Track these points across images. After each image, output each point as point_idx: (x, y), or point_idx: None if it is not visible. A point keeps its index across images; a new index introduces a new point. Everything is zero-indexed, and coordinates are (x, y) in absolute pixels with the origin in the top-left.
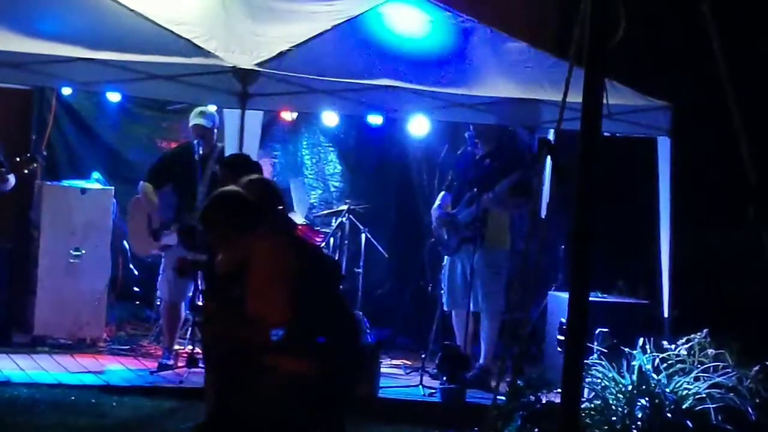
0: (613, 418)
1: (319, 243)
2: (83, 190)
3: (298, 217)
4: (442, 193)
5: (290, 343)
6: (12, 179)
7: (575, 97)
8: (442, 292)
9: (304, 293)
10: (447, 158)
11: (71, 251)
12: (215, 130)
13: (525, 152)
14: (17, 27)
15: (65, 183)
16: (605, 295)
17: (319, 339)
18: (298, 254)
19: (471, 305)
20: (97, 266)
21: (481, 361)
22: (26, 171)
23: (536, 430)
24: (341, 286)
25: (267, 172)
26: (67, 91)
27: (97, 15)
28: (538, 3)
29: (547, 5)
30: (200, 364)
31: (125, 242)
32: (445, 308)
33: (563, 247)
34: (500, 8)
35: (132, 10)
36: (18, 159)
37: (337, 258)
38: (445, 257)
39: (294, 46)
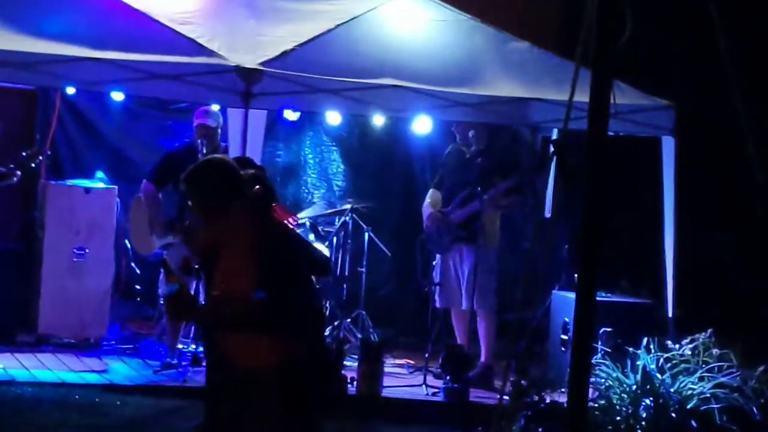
0: (618, 418)
1: (293, 224)
2: (87, 190)
3: None
4: (431, 190)
5: (258, 328)
6: (18, 174)
7: (580, 97)
8: (435, 289)
9: (273, 277)
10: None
11: (75, 250)
12: (219, 130)
13: (524, 152)
14: (21, 27)
15: (69, 182)
16: (609, 295)
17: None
18: (273, 239)
19: (464, 303)
20: (100, 265)
21: (482, 359)
22: (33, 165)
23: (540, 429)
24: (319, 277)
25: None
26: (70, 90)
27: (100, 15)
28: (540, 3)
29: (549, 5)
30: (203, 363)
31: (126, 241)
32: (437, 305)
33: (567, 246)
34: (503, 7)
35: (136, 10)
36: (24, 154)
37: (336, 256)
38: (437, 255)
39: (298, 46)
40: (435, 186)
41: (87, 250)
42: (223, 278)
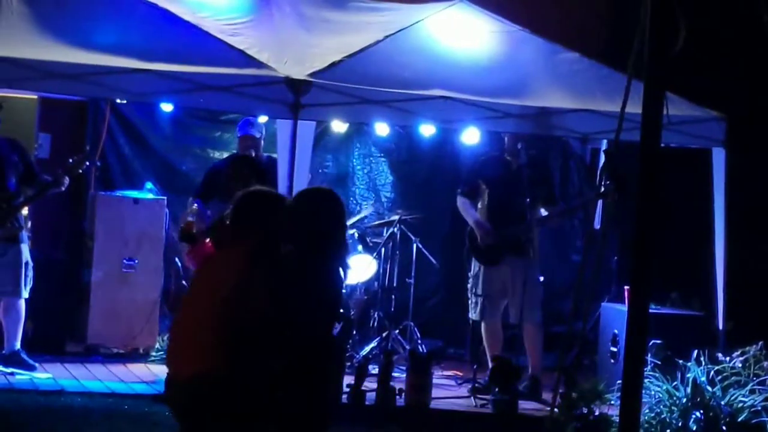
0: (668, 431)
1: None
2: (136, 200)
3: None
4: (464, 199)
5: None
6: (66, 181)
7: (630, 108)
8: (473, 301)
9: None
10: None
11: (124, 261)
12: (262, 141)
13: (574, 164)
14: (72, 39)
15: (118, 193)
16: (659, 307)
17: None
18: None
19: (517, 317)
20: (149, 276)
21: (530, 371)
22: (80, 170)
23: None
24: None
25: None
26: (120, 102)
27: (151, 26)
28: (589, 13)
29: (597, 16)
30: None
31: (177, 260)
32: (474, 317)
33: (615, 258)
34: (552, 18)
35: (186, 21)
36: (71, 160)
37: (384, 266)
38: (475, 267)
39: (346, 57)
40: (467, 194)
41: (136, 261)
42: None
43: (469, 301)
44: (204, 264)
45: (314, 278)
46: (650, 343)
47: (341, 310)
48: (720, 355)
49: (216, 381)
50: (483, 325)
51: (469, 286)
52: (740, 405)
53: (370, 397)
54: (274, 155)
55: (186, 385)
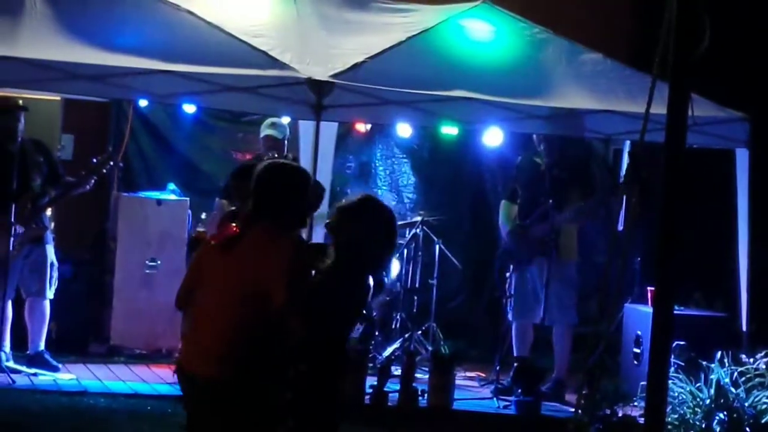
0: None
1: None
2: (159, 202)
3: None
4: (504, 202)
5: None
6: (92, 180)
7: (653, 108)
8: (508, 302)
9: None
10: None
11: (147, 262)
12: (286, 141)
13: (596, 165)
14: (95, 40)
15: (141, 194)
16: (682, 308)
17: None
18: None
19: (546, 318)
20: (172, 277)
21: (555, 373)
22: (104, 171)
23: None
24: None
25: None
26: (143, 103)
27: (174, 28)
28: (612, 15)
29: (621, 17)
30: None
31: None
32: (510, 319)
33: (638, 259)
34: (574, 19)
35: (208, 23)
36: (95, 160)
37: (407, 268)
38: (511, 268)
39: (369, 58)
40: (508, 198)
41: (159, 262)
42: None
43: (507, 302)
44: (229, 241)
45: (344, 292)
46: (674, 345)
47: (363, 311)
48: (744, 356)
49: (233, 386)
50: (513, 325)
51: (506, 286)
52: (764, 406)
53: (393, 398)
54: (291, 155)
55: (205, 384)
